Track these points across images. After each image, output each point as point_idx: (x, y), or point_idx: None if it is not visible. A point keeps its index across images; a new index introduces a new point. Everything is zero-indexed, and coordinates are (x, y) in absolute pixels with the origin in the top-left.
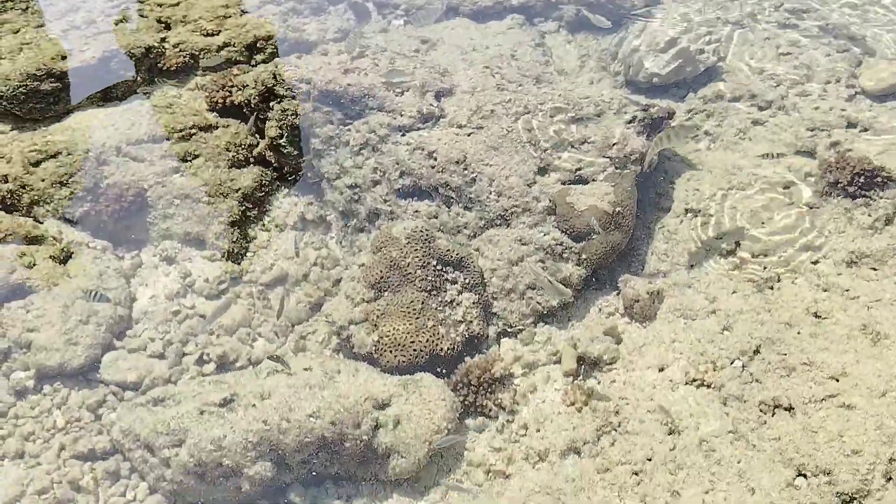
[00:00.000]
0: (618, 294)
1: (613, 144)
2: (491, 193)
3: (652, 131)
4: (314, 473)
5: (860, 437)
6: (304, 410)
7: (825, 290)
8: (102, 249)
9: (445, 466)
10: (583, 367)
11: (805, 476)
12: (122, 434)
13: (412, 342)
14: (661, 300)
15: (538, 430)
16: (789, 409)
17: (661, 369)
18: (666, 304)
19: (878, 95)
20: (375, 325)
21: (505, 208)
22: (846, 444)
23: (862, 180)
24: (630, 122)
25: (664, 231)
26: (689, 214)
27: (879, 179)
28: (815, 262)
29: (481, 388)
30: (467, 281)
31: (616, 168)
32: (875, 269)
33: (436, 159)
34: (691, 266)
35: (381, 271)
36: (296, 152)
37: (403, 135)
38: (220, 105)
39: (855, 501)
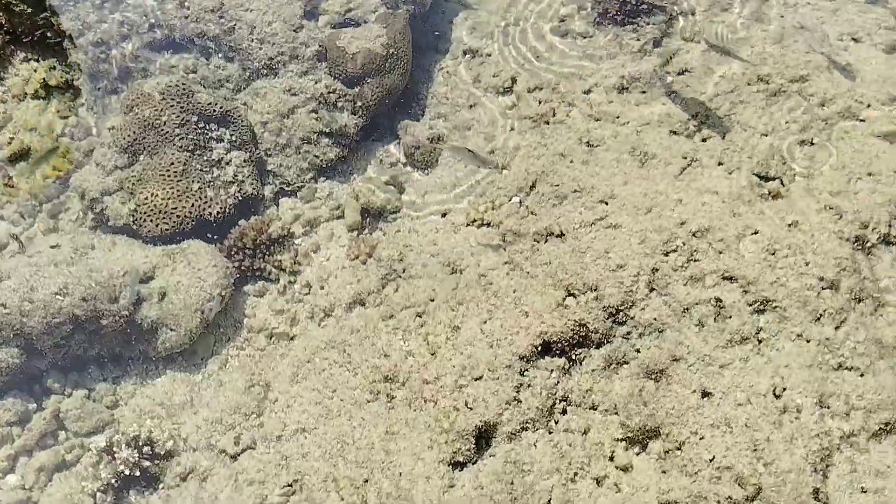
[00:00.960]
0: (399, 142)
1: None
2: (253, 41)
3: None
4: (72, 356)
5: (625, 251)
6: (48, 289)
7: (597, 120)
8: None
9: (224, 335)
10: (367, 219)
11: (574, 295)
12: None
13: (175, 208)
14: (443, 144)
15: (322, 288)
16: (561, 235)
17: (444, 214)
18: (447, 149)
19: None
20: (132, 193)
21: (270, 56)
22: (612, 260)
23: (628, 8)
24: None
25: (444, 73)
26: (467, 55)
27: (645, 6)
28: (588, 92)
29: (258, 250)
30: (235, 138)
31: (388, 8)
32: (644, 92)
33: (188, 7)
34: (471, 107)
35: (133, 132)
36: (29, 10)
37: None
38: None
39: (621, 313)
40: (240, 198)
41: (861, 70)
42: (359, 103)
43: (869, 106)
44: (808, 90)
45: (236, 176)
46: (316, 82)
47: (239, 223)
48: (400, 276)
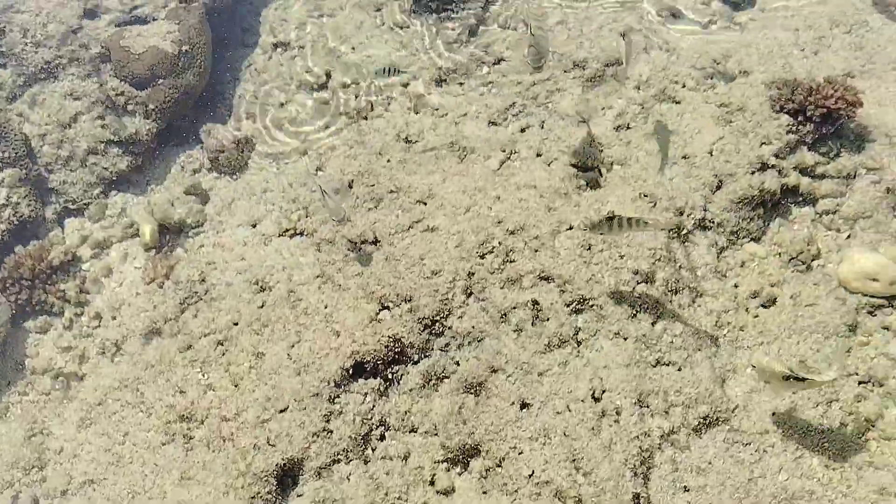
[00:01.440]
0: (202, 147)
1: None
2: (27, 45)
3: None
4: None
5: (441, 256)
6: None
7: (416, 113)
8: None
9: (3, 380)
10: (166, 236)
11: (388, 307)
12: None
13: None
14: (251, 147)
15: (114, 318)
16: (375, 241)
17: (254, 225)
18: (256, 152)
19: None
20: None
21: (47, 60)
22: (426, 267)
23: None
24: None
25: (252, 70)
26: (278, 49)
27: None
28: (406, 85)
29: (37, 281)
30: (7, 154)
31: (182, 2)
32: (462, 84)
33: None
34: (282, 105)
35: None
36: None
37: None
38: None
39: (437, 323)
40: (15, 222)
41: (678, 47)
42: (151, 106)
43: (685, 86)
44: (622, 74)
45: (9, 198)
46: (101, 85)
47: (14, 251)
48: (201, 299)
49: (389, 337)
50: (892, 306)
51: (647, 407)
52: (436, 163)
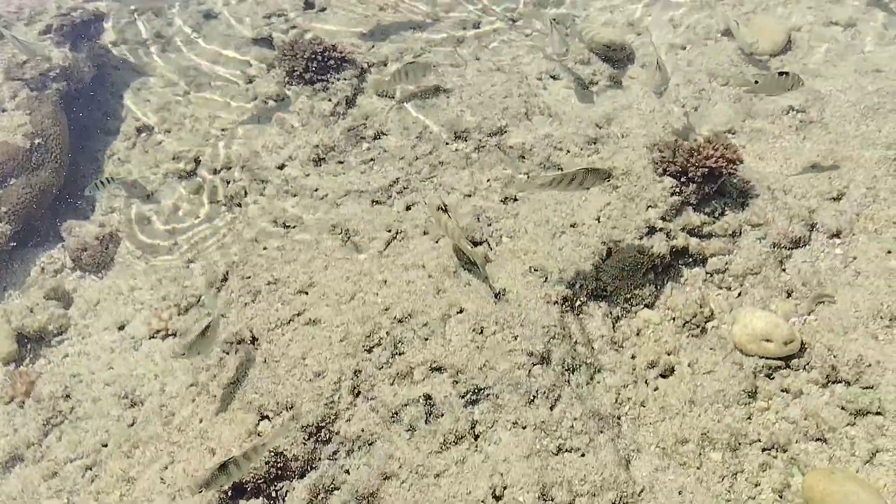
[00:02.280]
0: (63, 246)
1: (24, 63)
2: None
3: (78, 38)
4: None
5: (323, 354)
6: None
7: (294, 195)
8: None
9: None
10: (26, 346)
11: (268, 417)
12: None
13: None
14: (117, 243)
15: None
16: (254, 340)
17: (122, 327)
18: (123, 247)
19: None
20: None
21: None
22: (308, 368)
23: (316, 65)
24: (45, 31)
25: (114, 160)
26: (142, 134)
27: (333, 62)
28: (282, 167)
29: None
30: None
31: (33, 90)
32: (341, 162)
33: None
34: (149, 196)
35: None
36: None
37: None
38: None
39: (324, 430)
40: None
41: (560, 111)
42: (3, 209)
43: (568, 152)
44: (507, 142)
45: None
46: None
47: None
48: (66, 419)
49: (271, 451)
50: (789, 367)
51: (552, 500)
52: (317, 248)
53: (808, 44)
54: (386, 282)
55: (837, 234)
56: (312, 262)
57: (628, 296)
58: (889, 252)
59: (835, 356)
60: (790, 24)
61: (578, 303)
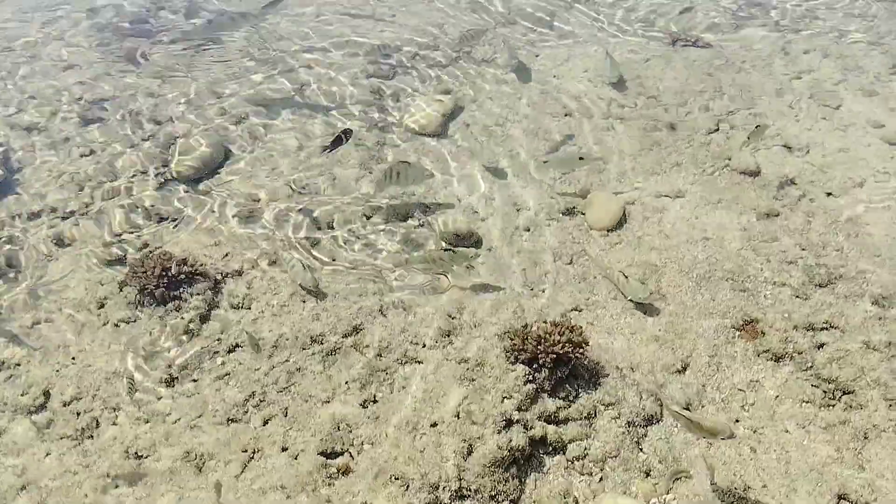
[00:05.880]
0: None
1: None
2: None
3: None
4: None
5: None
6: None
7: (147, 422)
8: None
9: None
10: None
11: None
12: None
13: None
14: None
15: None
16: None
17: None
18: None
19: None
20: None
21: None
22: None
23: (166, 281)
24: None
25: None
26: None
27: (184, 276)
28: (133, 391)
29: None
30: None
31: None
32: (196, 380)
33: None
34: None
35: None
36: None
37: None
38: None
39: None
40: None
41: (413, 305)
42: None
43: (424, 346)
44: (362, 342)
45: None
46: None
47: None
48: None
49: None
50: None
51: None
52: (170, 479)
53: (643, 215)
54: None
55: (687, 407)
56: (164, 497)
57: (493, 493)
58: (737, 421)
59: None
60: (624, 198)
61: None
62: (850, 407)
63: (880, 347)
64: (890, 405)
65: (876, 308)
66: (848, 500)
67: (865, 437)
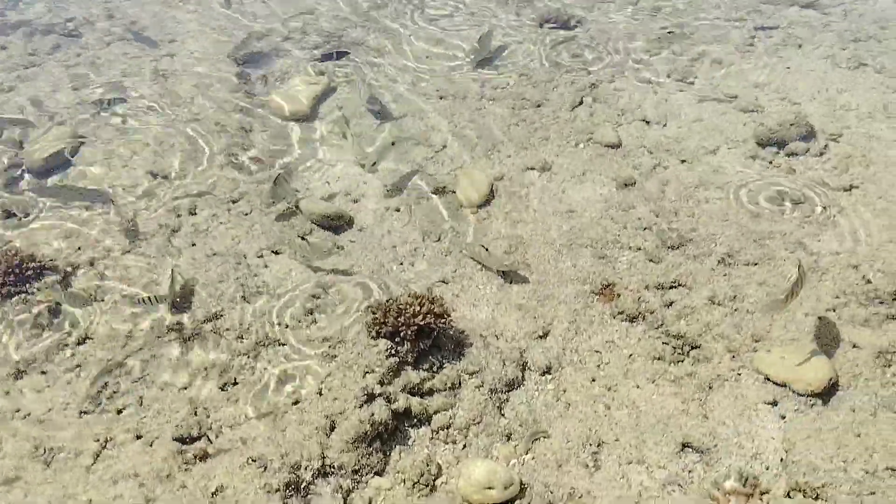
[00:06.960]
0: None
1: None
2: None
3: None
4: None
5: None
6: None
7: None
8: None
9: None
10: None
11: None
12: None
13: None
14: None
15: None
16: None
17: None
18: None
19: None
20: None
21: None
22: None
23: (13, 278)
24: None
25: None
26: None
27: (31, 272)
28: None
29: None
30: None
31: None
32: (45, 372)
33: None
34: None
35: None
36: None
37: None
38: None
39: None
40: None
41: (277, 286)
42: None
43: (287, 327)
44: (222, 326)
45: None
46: None
47: None
48: None
49: None
50: None
51: None
52: (16, 475)
53: (509, 191)
54: (91, 501)
55: (548, 371)
56: (11, 494)
57: (356, 467)
58: (593, 380)
59: (551, 492)
60: (493, 173)
61: (304, 484)
62: (697, 360)
63: (724, 302)
64: (733, 356)
65: (721, 266)
66: (691, 447)
67: (710, 388)
